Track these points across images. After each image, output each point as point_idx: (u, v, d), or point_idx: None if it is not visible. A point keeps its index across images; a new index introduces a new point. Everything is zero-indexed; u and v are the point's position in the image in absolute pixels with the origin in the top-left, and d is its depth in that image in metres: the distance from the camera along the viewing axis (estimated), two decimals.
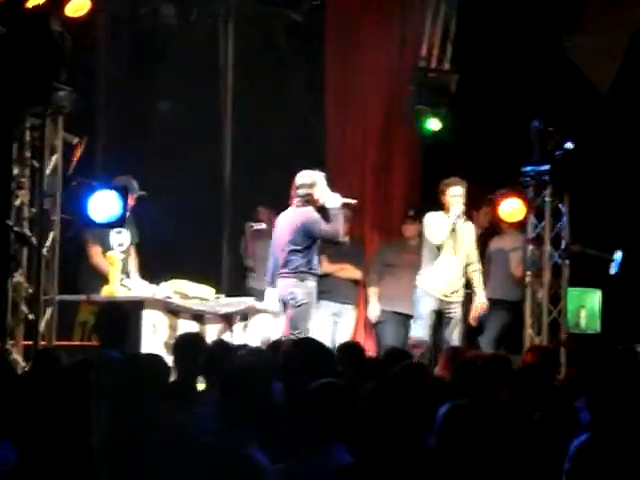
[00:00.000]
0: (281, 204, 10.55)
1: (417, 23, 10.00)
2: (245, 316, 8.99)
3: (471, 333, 10.02)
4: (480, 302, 9.39)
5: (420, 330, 9.23)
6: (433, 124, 9.73)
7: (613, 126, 10.27)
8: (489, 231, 10.10)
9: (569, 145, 9.24)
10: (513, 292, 9.87)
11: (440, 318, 9.25)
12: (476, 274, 9.37)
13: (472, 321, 9.52)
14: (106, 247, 8.87)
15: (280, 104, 10.61)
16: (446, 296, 9.23)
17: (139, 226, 9.18)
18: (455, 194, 9.14)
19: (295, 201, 8.57)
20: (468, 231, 9.35)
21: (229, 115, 10.63)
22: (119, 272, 8.70)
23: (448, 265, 9.24)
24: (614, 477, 4.14)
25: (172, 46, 10.24)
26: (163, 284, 8.90)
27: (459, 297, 9.30)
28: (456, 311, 9.26)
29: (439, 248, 9.20)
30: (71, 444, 3.85)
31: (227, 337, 8.51)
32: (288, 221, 8.53)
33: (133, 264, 9.12)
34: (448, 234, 9.14)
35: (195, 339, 6.57)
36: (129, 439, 4.23)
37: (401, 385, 4.93)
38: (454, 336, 9.20)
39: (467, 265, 9.32)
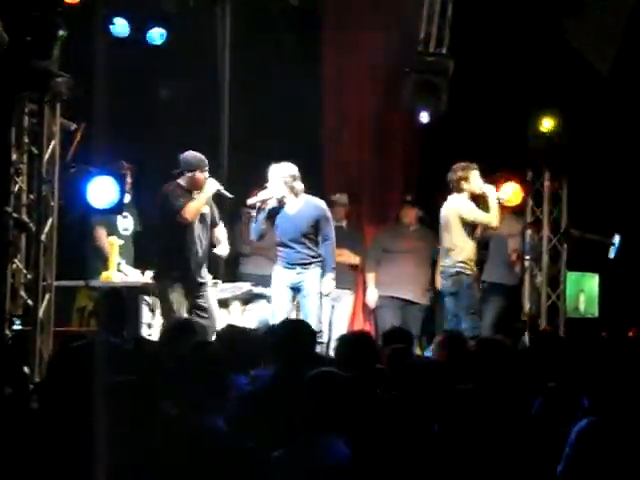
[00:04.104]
0: None
1: (414, 6, 9.95)
2: (245, 301, 9.01)
3: None
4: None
5: None
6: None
7: (613, 109, 10.25)
8: None
9: None
10: (510, 276, 9.87)
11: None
12: None
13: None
14: (113, 231, 8.92)
15: (277, 88, 10.58)
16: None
17: (140, 215, 9.22)
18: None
19: None
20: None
21: (227, 100, 10.59)
22: (117, 257, 8.71)
23: None
24: (614, 462, 4.15)
25: (170, 32, 10.20)
26: None
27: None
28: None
29: None
30: None
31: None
32: None
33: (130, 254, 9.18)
34: None
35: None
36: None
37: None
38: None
39: None
